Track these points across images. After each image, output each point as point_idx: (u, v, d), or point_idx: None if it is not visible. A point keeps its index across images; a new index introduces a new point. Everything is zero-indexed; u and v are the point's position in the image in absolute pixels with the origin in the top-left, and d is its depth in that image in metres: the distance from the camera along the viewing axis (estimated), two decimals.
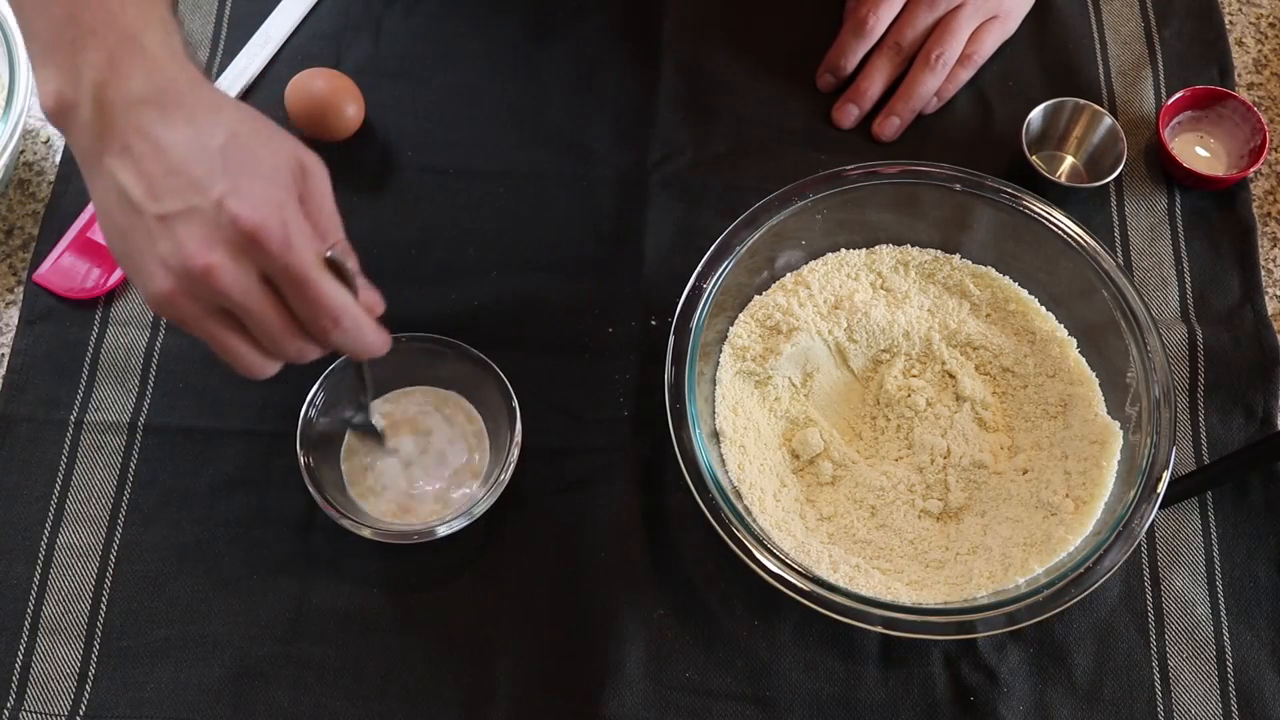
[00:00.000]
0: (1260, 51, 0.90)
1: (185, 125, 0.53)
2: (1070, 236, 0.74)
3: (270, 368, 0.57)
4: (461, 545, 0.71)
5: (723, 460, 0.71)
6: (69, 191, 0.80)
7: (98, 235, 0.78)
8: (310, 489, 0.68)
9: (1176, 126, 0.84)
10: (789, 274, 0.78)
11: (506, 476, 0.69)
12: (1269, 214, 0.84)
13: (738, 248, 0.73)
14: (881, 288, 0.77)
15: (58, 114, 0.54)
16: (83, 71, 0.53)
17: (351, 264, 0.56)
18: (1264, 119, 0.82)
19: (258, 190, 0.52)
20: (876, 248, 0.78)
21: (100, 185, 0.54)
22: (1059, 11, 0.89)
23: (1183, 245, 0.82)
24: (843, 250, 0.78)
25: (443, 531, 0.68)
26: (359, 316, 0.56)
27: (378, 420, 0.71)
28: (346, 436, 0.72)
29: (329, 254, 0.55)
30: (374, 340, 0.58)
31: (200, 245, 0.51)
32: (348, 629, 0.69)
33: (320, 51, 0.86)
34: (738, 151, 0.84)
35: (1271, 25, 0.91)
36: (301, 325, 0.55)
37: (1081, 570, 0.65)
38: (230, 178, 0.52)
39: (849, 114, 0.85)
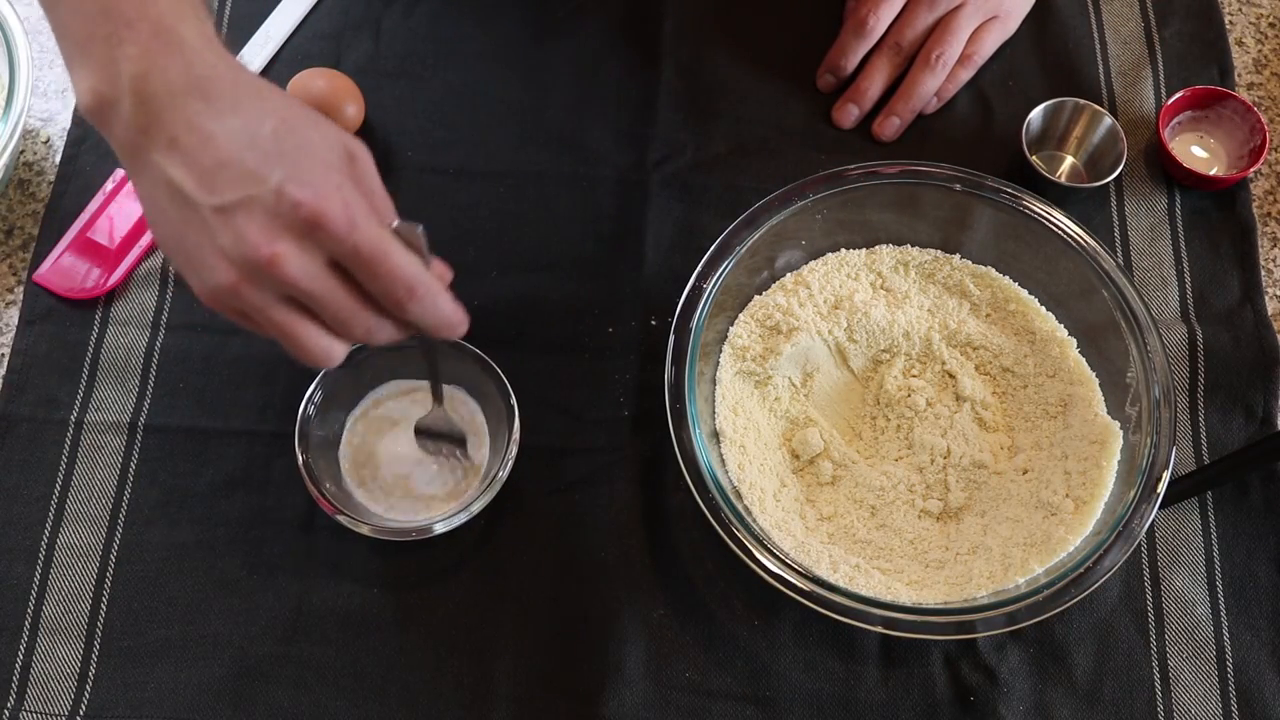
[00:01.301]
0: (1260, 51, 0.90)
1: (232, 114, 0.52)
2: (1070, 236, 0.74)
3: (339, 353, 0.55)
4: (462, 546, 0.71)
5: (723, 460, 0.71)
6: (69, 191, 0.80)
7: (98, 235, 0.78)
8: (308, 486, 0.68)
9: (1176, 126, 0.84)
10: (789, 274, 0.78)
11: (504, 474, 0.69)
12: (1269, 214, 0.84)
13: (738, 248, 0.73)
14: (881, 288, 0.77)
15: (96, 111, 0.53)
16: (120, 66, 0.52)
17: (421, 230, 0.56)
18: (1264, 119, 0.82)
19: (316, 174, 0.52)
20: (876, 248, 0.78)
21: (147, 180, 0.53)
22: (1059, 11, 0.89)
23: (1183, 245, 0.82)
24: (843, 250, 0.78)
25: (440, 529, 0.68)
26: (434, 285, 0.55)
27: (454, 417, 0.71)
28: (345, 434, 0.72)
29: (396, 224, 0.54)
30: (450, 310, 0.57)
31: (263, 234, 0.51)
32: (348, 629, 0.69)
33: (320, 51, 0.86)
34: (738, 151, 0.84)
35: (1271, 25, 0.91)
36: (374, 303, 0.54)
37: (1081, 570, 0.65)
38: (286, 164, 0.51)
39: (849, 114, 0.85)
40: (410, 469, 0.72)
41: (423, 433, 0.71)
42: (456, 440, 0.71)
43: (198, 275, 0.53)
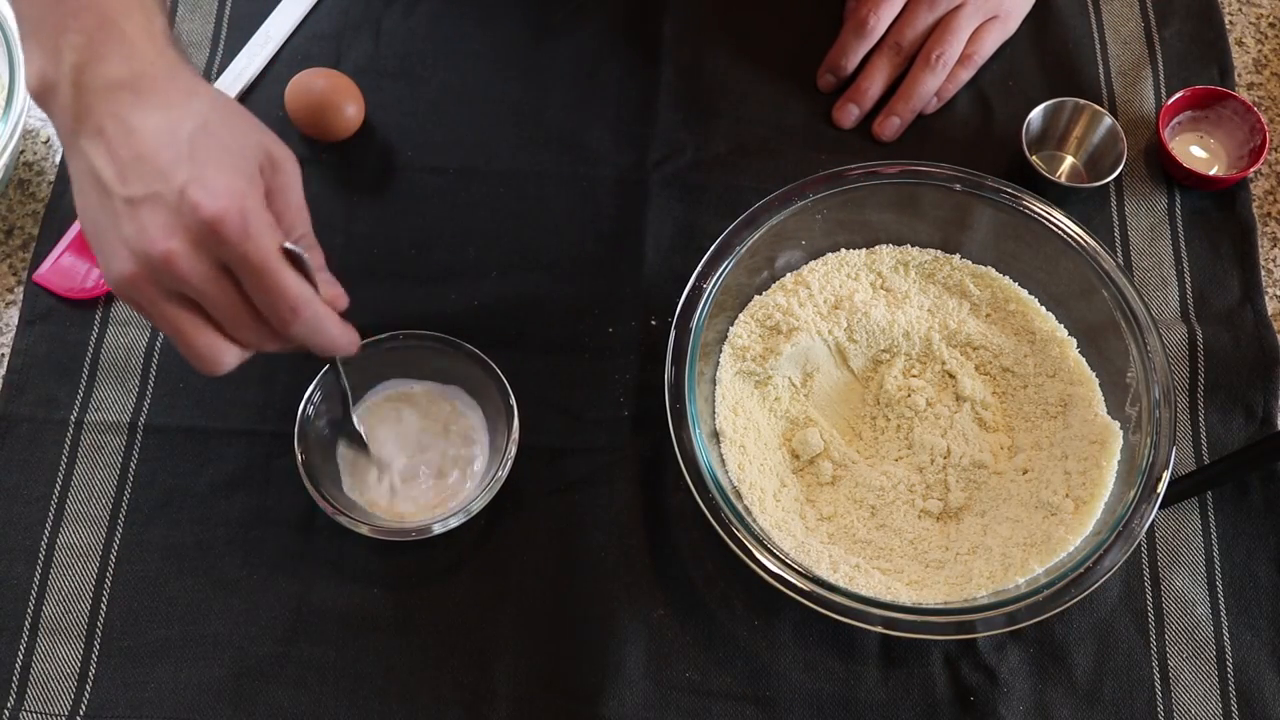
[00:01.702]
0: (1260, 51, 0.90)
1: (157, 111, 0.54)
2: (1070, 236, 0.74)
3: (226, 359, 0.56)
4: (462, 546, 0.71)
5: (723, 460, 0.71)
6: (69, 191, 0.79)
7: None
8: (307, 486, 0.68)
9: (1176, 126, 0.84)
10: (789, 274, 0.78)
11: (504, 474, 0.69)
12: (1269, 214, 0.84)
13: (738, 248, 0.73)
14: (881, 288, 0.77)
15: (40, 94, 0.55)
16: (63, 53, 0.54)
17: (313, 257, 0.57)
18: (1264, 119, 0.82)
19: (221, 179, 0.53)
20: (876, 248, 0.78)
21: (76, 165, 0.55)
22: (1059, 11, 0.89)
23: (1183, 245, 0.82)
24: (843, 250, 0.78)
25: (439, 529, 0.68)
26: (319, 309, 0.56)
27: (359, 425, 0.71)
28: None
29: (286, 245, 0.55)
30: (337, 333, 0.58)
31: (161, 231, 0.52)
32: (348, 629, 0.69)
33: (320, 51, 0.86)
34: (738, 151, 0.84)
35: (1271, 25, 0.91)
36: (262, 316, 0.55)
37: (1081, 570, 0.65)
38: (195, 166, 0.53)
39: (849, 114, 0.85)
40: (399, 469, 0.71)
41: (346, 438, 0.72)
42: (360, 442, 0.71)
43: (105, 261, 0.55)
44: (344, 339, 0.59)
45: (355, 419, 0.71)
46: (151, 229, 0.52)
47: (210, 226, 0.52)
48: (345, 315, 0.60)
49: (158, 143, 0.53)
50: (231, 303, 0.54)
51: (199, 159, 0.53)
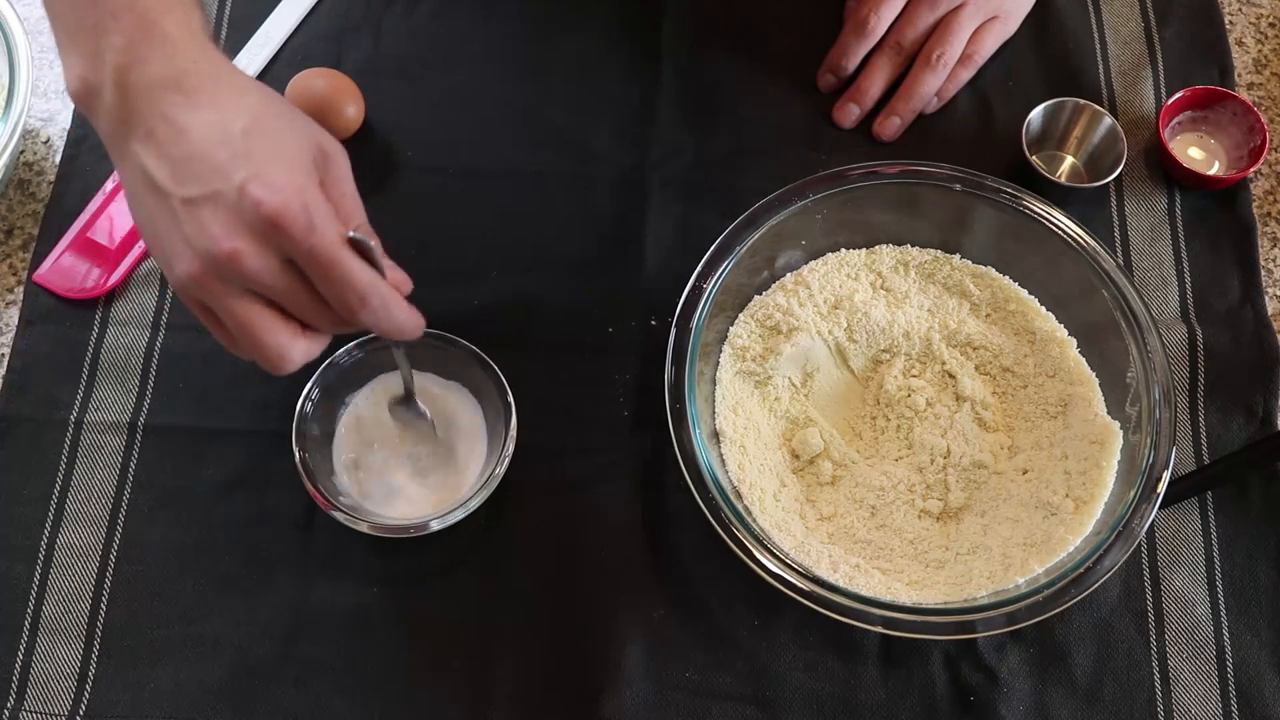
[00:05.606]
0: (1260, 51, 0.90)
1: (208, 109, 0.53)
2: (1070, 236, 0.74)
3: (294, 355, 0.56)
4: (462, 546, 0.71)
5: (723, 460, 0.71)
6: (69, 191, 0.80)
7: (98, 235, 0.78)
8: (305, 483, 0.68)
9: (1176, 126, 0.84)
10: (789, 274, 0.78)
11: (502, 471, 0.69)
12: (1269, 214, 0.84)
13: (738, 248, 0.73)
14: (881, 288, 0.77)
15: (83, 98, 0.55)
16: (104, 56, 0.53)
17: (375, 243, 0.56)
18: (1264, 119, 0.82)
19: (279, 175, 0.53)
20: (876, 248, 0.78)
21: (126, 168, 0.54)
22: (1059, 11, 0.89)
23: (1183, 245, 0.82)
24: (843, 250, 0.78)
25: (436, 526, 0.68)
26: (387, 295, 0.56)
27: (422, 406, 0.71)
28: (341, 430, 0.72)
29: (351, 234, 0.55)
30: (404, 318, 0.58)
31: (224, 230, 0.52)
32: (348, 628, 0.69)
33: (320, 51, 0.86)
34: (738, 151, 0.84)
35: (1271, 25, 0.91)
36: (329, 307, 0.55)
37: (1081, 570, 0.65)
38: (253, 163, 0.52)
39: (850, 114, 0.85)
40: (397, 467, 0.71)
41: (396, 409, 0.72)
42: (421, 419, 0.72)
43: (167, 263, 0.54)
44: (411, 323, 0.59)
45: (418, 400, 0.71)
46: (214, 228, 0.52)
47: (274, 222, 0.51)
48: (410, 298, 0.60)
49: (211, 141, 0.52)
50: (299, 295, 0.54)
51: (255, 156, 0.53)
